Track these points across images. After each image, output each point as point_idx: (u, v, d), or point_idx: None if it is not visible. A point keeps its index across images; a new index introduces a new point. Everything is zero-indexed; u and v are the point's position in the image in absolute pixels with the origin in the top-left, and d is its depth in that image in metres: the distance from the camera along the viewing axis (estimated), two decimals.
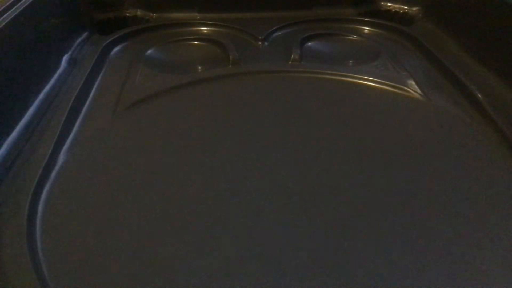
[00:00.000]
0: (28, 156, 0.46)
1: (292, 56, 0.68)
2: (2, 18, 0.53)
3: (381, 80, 0.61)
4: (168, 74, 0.65)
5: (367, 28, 0.81)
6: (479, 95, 0.55)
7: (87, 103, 0.57)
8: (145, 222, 0.39)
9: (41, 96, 0.56)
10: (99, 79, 0.64)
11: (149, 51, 0.71)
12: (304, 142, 0.50)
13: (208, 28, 0.81)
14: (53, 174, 0.44)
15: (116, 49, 0.74)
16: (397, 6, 0.86)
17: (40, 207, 0.40)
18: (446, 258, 0.35)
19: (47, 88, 0.58)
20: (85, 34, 0.76)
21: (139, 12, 0.86)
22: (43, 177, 0.43)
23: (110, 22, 0.84)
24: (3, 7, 0.55)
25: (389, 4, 0.87)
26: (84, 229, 0.38)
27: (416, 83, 0.60)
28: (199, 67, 0.70)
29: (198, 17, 0.85)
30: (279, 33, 0.79)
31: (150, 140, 0.50)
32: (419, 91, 0.59)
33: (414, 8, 0.84)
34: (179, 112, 0.56)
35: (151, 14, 0.86)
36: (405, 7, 0.85)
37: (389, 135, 0.51)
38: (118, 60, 0.71)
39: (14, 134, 0.49)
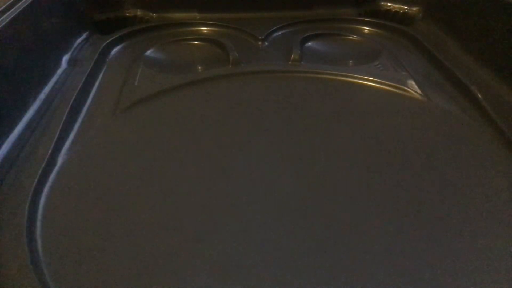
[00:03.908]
0: (28, 156, 0.46)
1: (292, 56, 0.68)
2: (2, 18, 0.53)
3: (381, 80, 0.61)
4: (168, 74, 0.65)
5: (367, 28, 0.81)
6: (479, 95, 0.55)
7: (87, 103, 0.57)
8: (144, 222, 0.39)
9: (41, 96, 0.56)
10: (99, 79, 0.64)
11: (149, 51, 0.71)
12: (304, 142, 0.50)
13: (208, 28, 0.81)
14: (53, 174, 0.44)
15: (116, 49, 0.74)
16: (397, 6, 0.86)
17: (40, 207, 0.40)
18: (446, 258, 0.35)
19: (47, 88, 0.58)
20: (85, 34, 0.76)
21: (139, 12, 0.86)
22: (43, 177, 0.43)
23: (110, 22, 0.84)
24: (3, 7, 0.55)
25: (389, 4, 0.87)
26: (84, 229, 0.38)
27: (416, 83, 0.60)
28: (199, 67, 0.70)
29: (198, 17, 0.85)
30: (279, 33, 0.79)
31: (150, 140, 0.50)
32: (419, 91, 0.59)
33: (414, 8, 0.84)
34: (179, 112, 0.56)
35: (151, 14, 0.86)
36: (405, 7, 0.85)
37: (389, 135, 0.51)
38: (118, 60, 0.71)
39: (14, 134, 0.49)
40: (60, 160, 0.46)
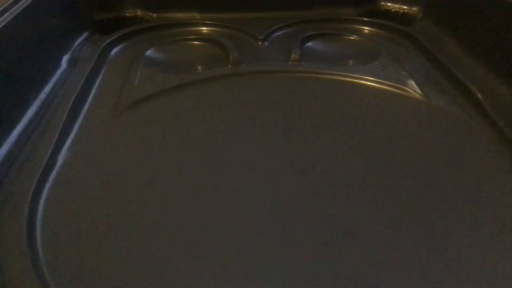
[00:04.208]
0: (28, 156, 0.46)
1: (292, 56, 0.68)
2: (2, 18, 0.53)
3: (381, 80, 0.61)
4: (168, 74, 0.64)
5: (367, 28, 0.81)
6: (479, 95, 0.55)
7: (87, 103, 0.57)
8: (144, 222, 0.39)
9: (41, 96, 0.56)
10: (99, 79, 0.64)
11: (149, 51, 0.71)
12: (304, 142, 0.50)
13: (208, 28, 0.81)
14: (53, 174, 0.44)
15: (116, 49, 0.74)
16: (397, 6, 0.86)
17: (40, 207, 0.40)
18: (447, 258, 0.35)
19: (47, 88, 0.58)
20: (85, 34, 0.76)
21: (139, 12, 0.86)
22: (43, 177, 0.43)
23: (110, 22, 0.84)
24: (3, 7, 0.55)
25: (389, 4, 0.87)
26: (84, 229, 0.38)
27: (416, 83, 0.60)
28: (199, 67, 0.70)
29: (198, 17, 0.85)
30: (279, 33, 0.79)
31: (150, 140, 0.50)
32: (419, 91, 0.59)
33: (414, 8, 0.84)
34: (179, 112, 0.56)
35: (151, 14, 0.86)
36: (405, 7, 0.85)
37: (389, 135, 0.51)
38: (118, 60, 0.71)
39: (14, 134, 0.49)
40: (60, 160, 0.46)
